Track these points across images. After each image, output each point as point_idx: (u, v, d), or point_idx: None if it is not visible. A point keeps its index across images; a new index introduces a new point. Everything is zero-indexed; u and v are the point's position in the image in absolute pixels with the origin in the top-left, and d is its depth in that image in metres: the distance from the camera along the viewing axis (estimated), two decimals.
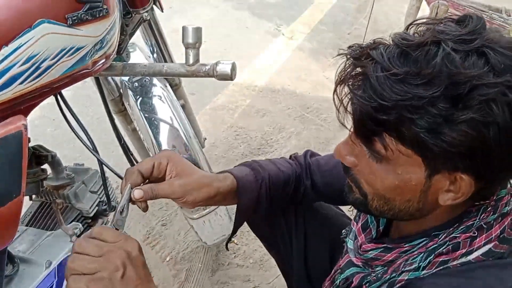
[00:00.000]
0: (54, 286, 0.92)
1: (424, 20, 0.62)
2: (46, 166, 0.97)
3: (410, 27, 0.63)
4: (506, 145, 0.56)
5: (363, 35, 3.99)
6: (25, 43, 0.65)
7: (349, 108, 0.63)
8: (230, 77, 0.92)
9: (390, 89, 0.55)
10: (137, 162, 1.36)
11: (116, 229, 0.72)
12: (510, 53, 0.56)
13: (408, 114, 0.55)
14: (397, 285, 0.68)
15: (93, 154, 0.93)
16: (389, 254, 0.72)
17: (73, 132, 0.91)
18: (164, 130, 1.27)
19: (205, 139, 1.86)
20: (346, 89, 0.62)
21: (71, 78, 0.78)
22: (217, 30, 3.52)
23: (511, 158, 0.58)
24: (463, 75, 0.54)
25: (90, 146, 0.92)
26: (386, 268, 0.72)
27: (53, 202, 0.97)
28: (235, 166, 0.93)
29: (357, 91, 0.60)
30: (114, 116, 1.38)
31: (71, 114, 0.91)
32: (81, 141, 0.91)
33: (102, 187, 1.09)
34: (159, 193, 0.76)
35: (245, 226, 1.00)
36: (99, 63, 0.84)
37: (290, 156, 1.01)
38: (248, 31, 3.73)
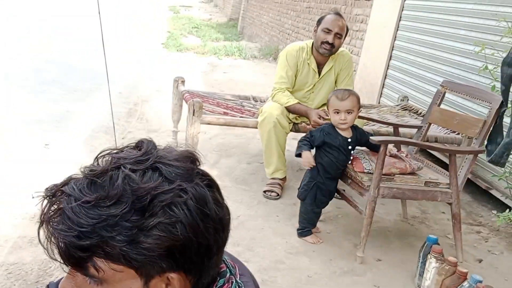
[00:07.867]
0: None
1: (109, 151, 0.70)
2: None
3: (98, 158, 0.69)
4: (195, 238, 0.64)
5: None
6: None
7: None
8: None
9: (85, 215, 0.61)
10: None
11: None
12: (177, 164, 0.67)
13: (107, 233, 0.61)
14: None
15: None
16: None
17: None
18: None
19: None
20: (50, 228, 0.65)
21: None
22: None
23: (204, 248, 0.66)
24: (143, 189, 0.62)
25: None
26: None
27: None
28: None
29: (57, 226, 0.63)
30: None
31: None
32: None
33: None
34: None
35: None
36: None
37: None
38: None
